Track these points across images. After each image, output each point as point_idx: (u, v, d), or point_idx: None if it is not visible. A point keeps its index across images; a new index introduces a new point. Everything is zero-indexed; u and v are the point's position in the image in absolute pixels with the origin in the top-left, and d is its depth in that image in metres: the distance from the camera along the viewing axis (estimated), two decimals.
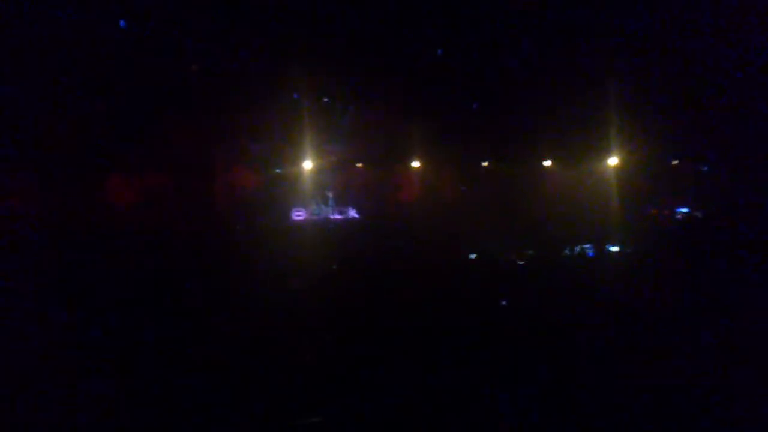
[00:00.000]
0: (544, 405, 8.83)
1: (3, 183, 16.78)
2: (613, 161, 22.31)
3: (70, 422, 8.15)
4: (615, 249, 20.43)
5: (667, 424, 8.44)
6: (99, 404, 8.40)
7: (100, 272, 14.12)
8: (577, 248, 19.99)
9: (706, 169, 23.37)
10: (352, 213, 23.58)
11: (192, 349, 10.52)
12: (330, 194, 23.51)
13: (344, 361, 10.81)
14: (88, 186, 18.00)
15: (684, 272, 15.52)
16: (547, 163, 23.37)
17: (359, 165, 23.48)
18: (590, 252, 20.06)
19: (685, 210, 23.38)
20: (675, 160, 23.51)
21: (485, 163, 23.64)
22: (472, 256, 18.90)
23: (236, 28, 18.52)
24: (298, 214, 22.94)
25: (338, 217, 23.43)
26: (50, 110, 16.89)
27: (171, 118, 19.02)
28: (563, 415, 8.66)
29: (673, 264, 17.33)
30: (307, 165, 22.32)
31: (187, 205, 19.41)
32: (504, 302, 14.13)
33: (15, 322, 10.76)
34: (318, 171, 22.70)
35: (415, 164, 23.23)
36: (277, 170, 22.44)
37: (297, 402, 9.03)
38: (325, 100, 21.54)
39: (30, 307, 11.42)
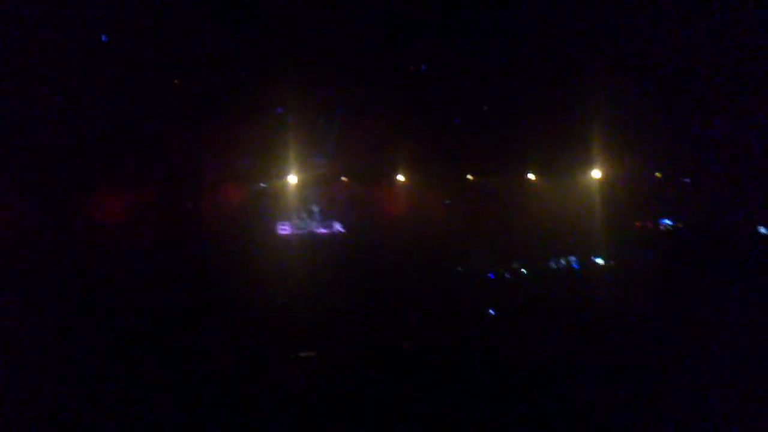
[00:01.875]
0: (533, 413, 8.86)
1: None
2: (597, 174, 22.40)
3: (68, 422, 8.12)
4: (599, 261, 20.52)
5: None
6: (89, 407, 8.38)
7: (84, 287, 14.05)
8: (562, 260, 20.08)
9: (688, 181, 23.51)
10: (338, 227, 23.52)
11: (178, 361, 10.48)
12: (315, 208, 23.44)
13: (330, 375, 10.78)
14: (73, 201, 17.89)
15: (667, 282, 15.64)
16: (532, 176, 23.43)
17: (344, 179, 23.45)
18: (575, 264, 20.15)
19: (668, 222, 23.50)
20: (658, 172, 23.61)
21: (471, 177, 23.68)
22: (459, 269, 18.99)
23: (221, 43, 18.51)
24: (284, 228, 22.85)
25: (323, 231, 23.36)
26: (37, 127, 16.79)
27: (155, 132, 18.95)
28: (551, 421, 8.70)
29: (657, 274, 17.46)
30: (293, 179, 22.27)
31: (171, 218, 19.31)
32: (491, 311, 14.18)
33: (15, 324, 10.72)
34: (303, 185, 22.65)
35: (401, 178, 23.24)
36: (262, 184, 22.37)
37: (283, 417, 9.00)
38: (310, 114, 21.50)
39: (25, 314, 11.39)
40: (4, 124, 16.10)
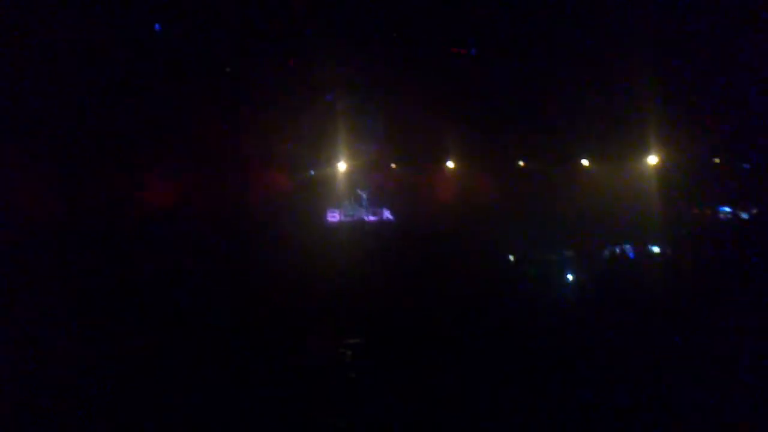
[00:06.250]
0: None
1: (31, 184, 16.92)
2: (653, 159, 21.87)
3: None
4: (656, 249, 20.09)
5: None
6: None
7: (136, 270, 14.31)
8: (618, 248, 19.70)
9: (747, 167, 22.83)
10: (387, 214, 23.48)
11: (226, 343, 10.58)
12: (364, 195, 23.45)
13: (377, 362, 10.75)
14: (129, 186, 18.17)
15: (726, 271, 15.23)
16: (586, 162, 22.98)
17: (393, 166, 23.37)
18: (630, 252, 19.76)
19: (727, 209, 22.85)
20: (716, 158, 22.95)
21: (522, 163, 23.34)
22: (510, 257, 18.77)
23: (272, 30, 18.57)
24: (333, 216, 22.95)
25: (372, 218, 23.36)
26: (89, 107, 17.05)
27: (206, 120, 19.11)
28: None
29: (715, 263, 17.01)
30: (342, 166, 22.31)
31: (221, 205, 19.48)
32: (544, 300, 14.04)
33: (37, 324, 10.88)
34: (352, 172, 22.67)
35: (450, 165, 23.04)
36: (312, 171, 22.47)
37: (329, 401, 9.02)
38: (360, 100, 21.47)
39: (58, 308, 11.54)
40: (44, 108, 16.33)
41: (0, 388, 8.87)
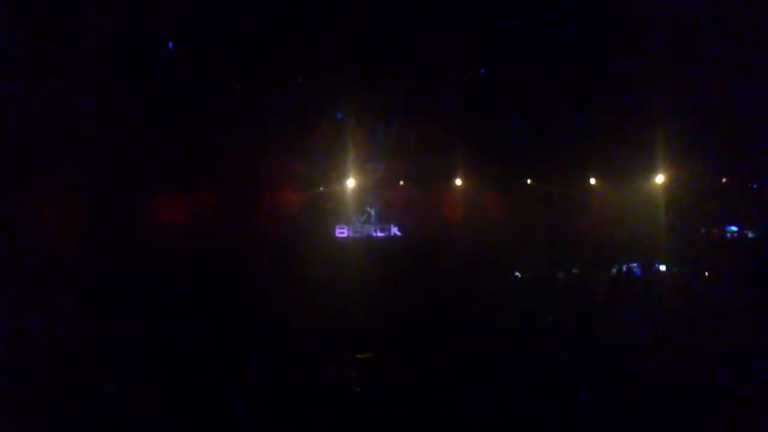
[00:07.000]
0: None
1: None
2: (660, 179, 21.90)
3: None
4: (663, 268, 20.11)
5: None
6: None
7: (147, 290, 14.38)
8: (625, 267, 19.73)
9: (755, 186, 22.86)
10: (395, 230, 23.59)
11: (235, 362, 10.65)
12: (372, 212, 23.58)
13: (387, 377, 10.81)
14: (139, 204, 18.30)
15: (733, 290, 15.23)
16: (593, 181, 23.00)
17: (401, 183, 23.49)
18: (638, 271, 19.79)
19: (734, 228, 22.86)
20: (723, 177, 22.99)
21: (530, 181, 23.41)
22: (517, 274, 18.83)
23: (280, 49, 18.77)
24: (341, 232, 23.07)
25: (380, 234, 23.48)
26: (101, 132, 17.23)
27: (216, 138, 19.27)
28: None
29: (722, 282, 17.03)
30: (350, 183, 22.44)
31: (231, 222, 19.60)
32: (550, 318, 14.03)
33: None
34: (361, 189, 22.79)
35: (458, 182, 23.13)
36: (321, 188, 22.60)
37: (340, 418, 9.07)
38: (368, 118, 21.62)
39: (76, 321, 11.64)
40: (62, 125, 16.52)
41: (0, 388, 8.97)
